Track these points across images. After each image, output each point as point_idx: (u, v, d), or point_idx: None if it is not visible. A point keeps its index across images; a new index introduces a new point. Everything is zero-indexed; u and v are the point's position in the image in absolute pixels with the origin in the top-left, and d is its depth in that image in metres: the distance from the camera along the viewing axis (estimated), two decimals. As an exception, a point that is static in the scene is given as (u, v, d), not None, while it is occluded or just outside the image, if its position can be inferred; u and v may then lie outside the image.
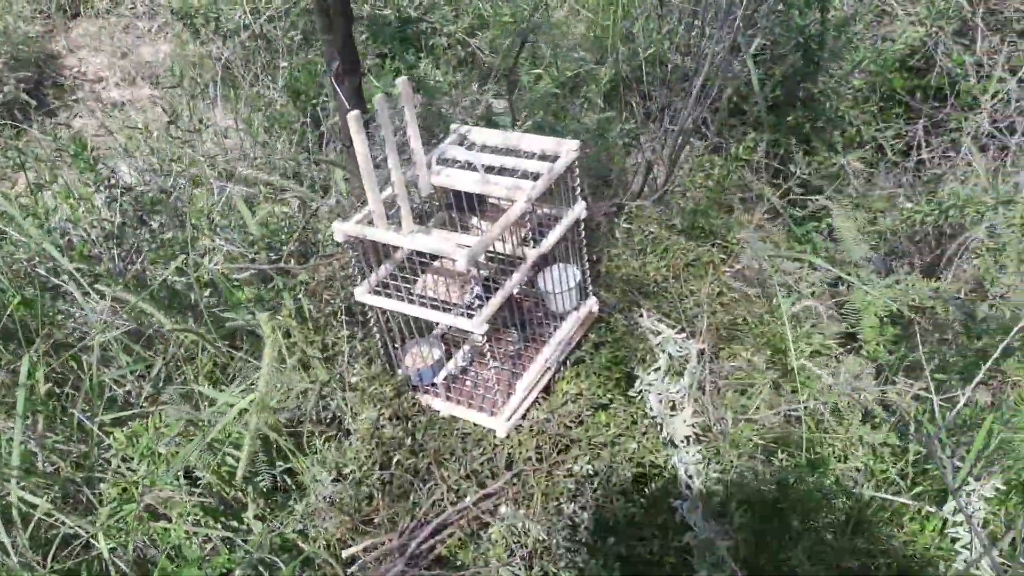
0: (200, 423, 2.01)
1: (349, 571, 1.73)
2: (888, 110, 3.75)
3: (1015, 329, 1.82)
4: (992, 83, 3.58)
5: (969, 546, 1.86)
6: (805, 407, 2.20)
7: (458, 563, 1.73)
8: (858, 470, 2.08)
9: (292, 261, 2.14)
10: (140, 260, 2.21)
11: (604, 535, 1.78)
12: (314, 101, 3.42)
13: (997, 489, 1.89)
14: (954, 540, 1.91)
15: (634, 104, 3.66)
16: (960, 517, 1.88)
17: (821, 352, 2.48)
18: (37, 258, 2.16)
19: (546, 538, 1.71)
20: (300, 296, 2.05)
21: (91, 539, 1.95)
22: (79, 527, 1.99)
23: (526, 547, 1.70)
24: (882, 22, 3.78)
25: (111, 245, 2.19)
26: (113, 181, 2.21)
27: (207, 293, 2.32)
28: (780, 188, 3.10)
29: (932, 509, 1.99)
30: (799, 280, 2.55)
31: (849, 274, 2.75)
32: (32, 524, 1.87)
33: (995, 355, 1.76)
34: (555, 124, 3.22)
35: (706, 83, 2.70)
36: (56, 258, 2.13)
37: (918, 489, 2.07)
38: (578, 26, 3.95)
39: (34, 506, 1.91)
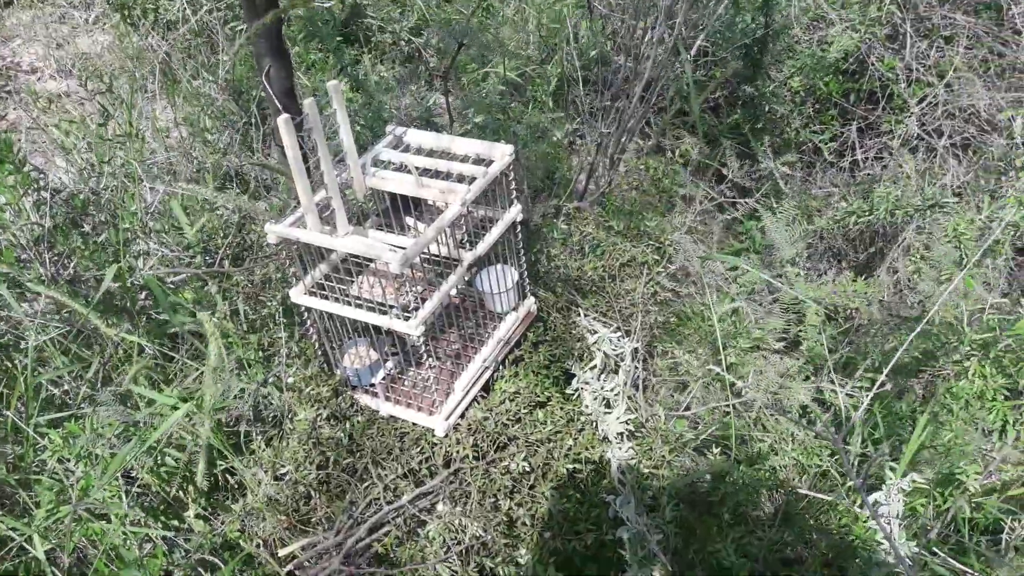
0: (137, 425, 2.00)
1: (287, 569, 1.75)
2: (824, 112, 3.87)
3: (918, 328, 1.91)
4: (921, 88, 3.72)
5: (888, 536, 1.94)
6: (738, 404, 2.27)
7: (396, 559, 1.76)
8: (783, 467, 2.15)
9: (228, 264, 2.14)
10: (72, 265, 2.18)
11: (540, 530, 1.82)
12: (258, 100, 3.39)
13: (916, 483, 1.97)
14: (872, 531, 1.99)
15: (579, 104, 3.71)
16: (881, 510, 1.96)
17: (759, 348, 2.56)
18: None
19: (483, 534, 1.75)
20: (236, 298, 2.05)
21: (25, 542, 1.93)
22: (14, 529, 1.97)
23: (463, 543, 1.74)
24: (818, 27, 3.89)
25: (42, 249, 2.15)
26: (42, 183, 2.17)
27: (143, 296, 2.30)
28: (716, 189, 3.18)
29: (853, 499, 2.07)
30: (731, 281, 2.63)
31: (780, 275, 2.84)
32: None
33: (899, 352, 1.84)
34: (500, 124, 3.25)
35: (649, 85, 2.76)
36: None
37: (847, 485, 2.16)
38: (525, 25, 3.98)
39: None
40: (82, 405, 2.20)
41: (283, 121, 1.53)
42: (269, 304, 2.08)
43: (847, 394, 2.33)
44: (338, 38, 3.74)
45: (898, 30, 3.79)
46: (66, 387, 2.25)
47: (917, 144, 3.69)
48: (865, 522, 2.05)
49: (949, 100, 3.67)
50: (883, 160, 3.74)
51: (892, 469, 2.03)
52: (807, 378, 2.44)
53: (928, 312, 2.51)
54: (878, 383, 1.68)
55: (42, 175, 2.21)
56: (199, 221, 2.18)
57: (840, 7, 3.77)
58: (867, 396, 1.95)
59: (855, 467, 1.96)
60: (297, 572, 1.73)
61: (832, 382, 2.37)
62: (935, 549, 1.92)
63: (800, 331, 2.64)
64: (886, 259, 3.33)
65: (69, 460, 2.06)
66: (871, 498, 2.01)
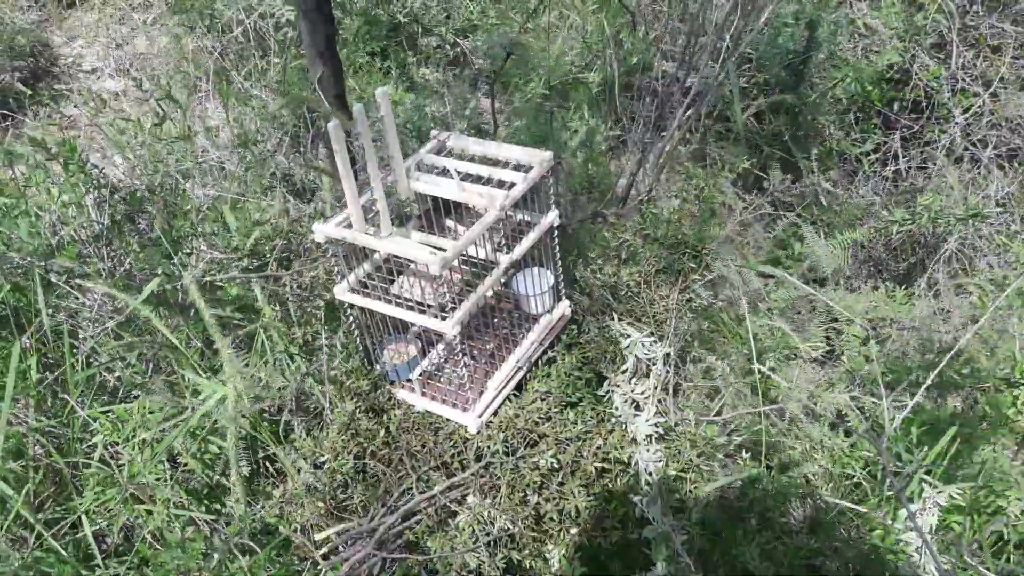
0: (185, 411, 2.09)
1: (321, 552, 1.82)
2: (867, 121, 3.85)
3: (957, 345, 1.91)
4: (966, 97, 3.69)
5: (920, 550, 1.95)
6: (770, 411, 2.29)
7: (426, 548, 1.82)
8: (813, 475, 2.17)
9: (276, 265, 2.22)
10: (128, 260, 2.29)
11: (567, 526, 1.87)
12: (303, 104, 3.49)
13: (953, 497, 1.97)
14: (903, 544, 2.00)
15: (620, 111, 3.75)
16: (914, 521, 1.97)
17: (793, 357, 2.58)
18: (29, 256, 2.23)
19: (511, 527, 1.80)
20: (284, 296, 2.13)
21: (75, 522, 2.03)
22: (64, 509, 2.08)
23: (491, 535, 1.80)
24: (864, 36, 3.88)
25: (100, 245, 2.26)
26: (103, 182, 2.28)
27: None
28: (756, 201, 3.19)
29: (883, 515, 2.07)
30: (770, 292, 2.65)
31: (821, 285, 2.85)
32: (16, 506, 1.95)
33: (940, 365, 1.85)
34: (542, 130, 3.30)
35: (692, 93, 2.79)
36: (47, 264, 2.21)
37: (879, 496, 2.16)
38: (567, 32, 4.02)
39: (20, 487, 1.99)
40: (132, 393, 2.31)
41: (333, 127, 1.60)
42: (314, 301, 2.16)
43: (878, 403, 2.33)
44: (384, 42, 3.83)
45: (944, 39, 3.77)
46: (118, 374, 2.35)
47: (962, 155, 3.67)
48: (896, 535, 2.06)
49: (995, 110, 3.63)
50: (926, 170, 3.71)
51: (928, 483, 2.03)
52: (847, 388, 2.45)
53: (968, 332, 2.51)
54: (917, 395, 1.69)
55: (103, 174, 2.31)
56: (253, 232, 2.27)
57: (886, 16, 3.76)
58: (905, 408, 1.95)
59: (892, 474, 1.96)
60: (332, 556, 1.80)
61: (871, 394, 2.38)
62: (969, 560, 1.92)
63: (842, 342, 2.64)
64: (927, 270, 3.32)
65: (118, 444, 2.16)
66: (911, 508, 2.01)
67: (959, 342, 2.11)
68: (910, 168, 3.76)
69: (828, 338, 2.70)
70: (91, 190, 2.27)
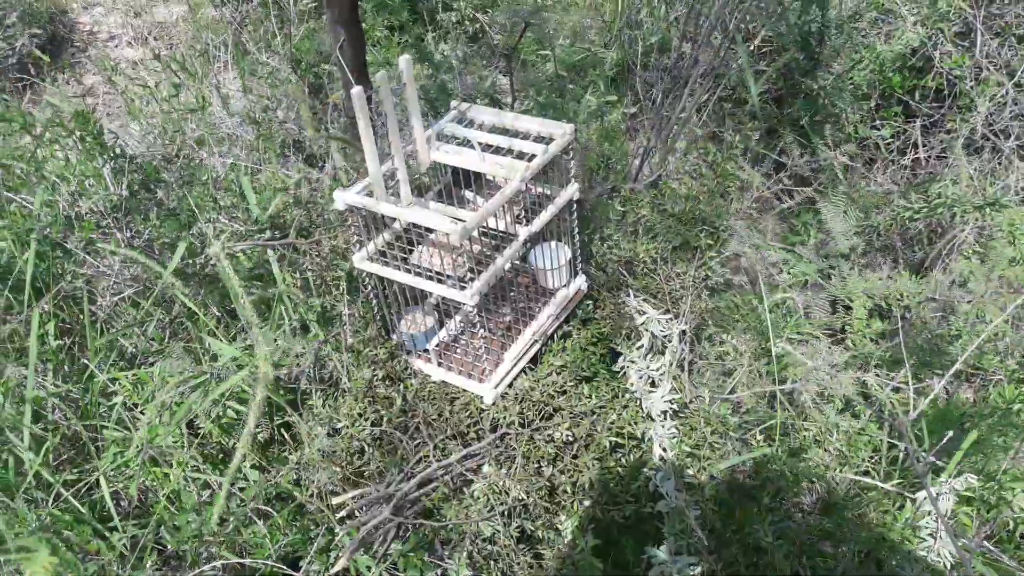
0: (203, 376, 2.11)
1: (338, 517, 1.84)
2: (887, 108, 3.82)
3: (987, 329, 1.91)
4: (989, 87, 3.65)
5: (935, 534, 1.95)
6: (784, 391, 2.30)
7: (441, 515, 1.84)
8: (826, 457, 2.17)
9: (296, 235, 2.23)
10: (147, 231, 2.30)
11: (580, 498, 1.88)
12: (315, 69, 3.48)
13: (970, 485, 1.97)
14: (916, 528, 2.00)
15: (638, 88, 3.74)
16: (929, 506, 1.97)
17: (807, 339, 2.57)
18: (48, 227, 2.24)
19: (525, 497, 1.81)
20: (305, 267, 2.14)
21: (95, 483, 2.05)
22: (82, 470, 2.10)
23: (506, 504, 1.81)
24: (886, 20, 3.84)
25: (120, 216, 2.27)
26: (119, 151, 2.28)
27: (212, 261, 2.41)
28: (773, 178, 3.18)
29: (911, 496, 2.08)
30: (784, 271, 2.64)
31: (833, 267, 2.84)
32: (34, 468, 1.97)
33: (968, 351, 1.85)
34: (558, 105, 3.29)
35: (706, 72, 2.78)
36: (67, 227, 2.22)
37: (894, 481, 2.17)
38: (585, 8, 4.00)
39: (39, 450, 2.01)
40: (151, 358, 2.32)
41: (356, 94, 1.60)
42: (333, 270, 2.16)
43: (894, 388, 2.33)
44: (404, 14, 3.81)
45: (969, 27, 3.73)
46: (135, 341, 2.37)
47: (983, 144, 3.64)
48: (906, 519, 2.07)
49: (1019, 100, 3.60)
50: (946, 159, 3.69)
51: (938, 470, 2.04)
52: (856, 370, 2.45)
53: (980, 312, 2.50)
54: (942, 382, 1.68)
55: (118, 144, 2.32)
56: (273, 201, 2.28)
57: (911, 1, 3.72)
58: (914, 393, 1.95)
59: (913, 457, 1.96)
60: (348, 521, 1.82)
61: (879, 376, 2.37)
62: (985, 544, 1.92)
63: (848, 324, 2.64)
64: (941, 257, 3.30)
65: (136, 407, 2.18)
66: (920, 495, 2.02)
67: (986, 330, 2.10)
68: (930, 157, 3.74)
69: (837, 322, 2.69)
70: (108, 160, 2.28)
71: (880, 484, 1.98)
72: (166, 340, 2.35)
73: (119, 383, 2.15)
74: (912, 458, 1.82)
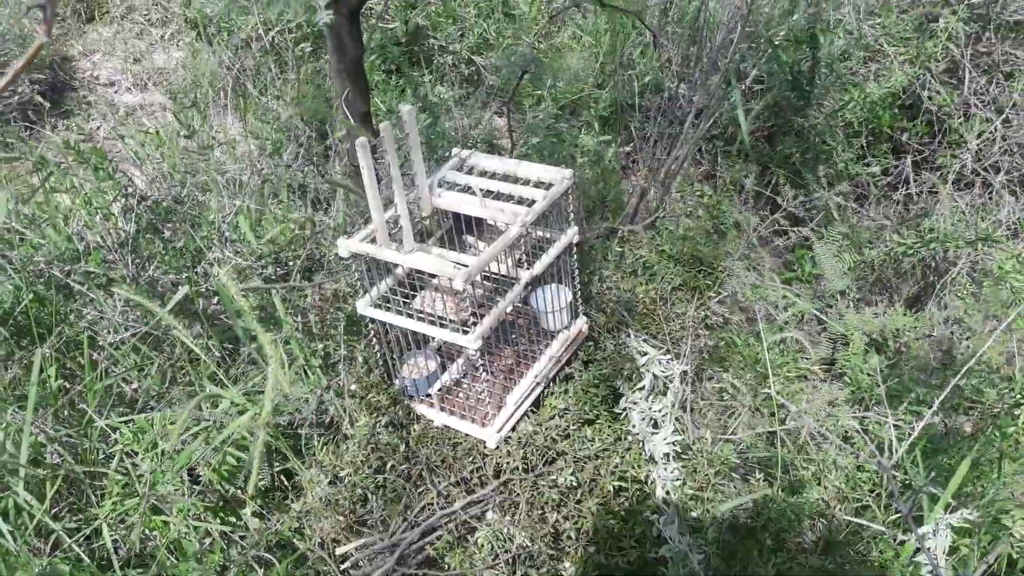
0: (204, 422, 2.11)
1: (342, 568, 1.83)
2: (877, 145, 3.87)
3: (971, 360, 1.93)
4: (978, 123, 3.71)
5: (933, 572, 1.95)
6: (784, 430, 2.30)
7: (445, 564, 1.83)
8: (825, 496, 2.17)
9: (299, 276, 2.25)
10: (152, 268, 2.31)
11: (585, 544, 1.87)
12: (320, 116, 3.52)
13: (967, 519, 1.97)
14: (916, 566, 2.00)
15: (632, 129, 3.79)
16: (928, 543, 1.97)
17: (805, 377, 2.59)
18: (55, 261, 2.26)
19: (529, 544, 1.80)
20: (306, 308, 2.15)
21: (93, 531, 2.04)
22: (81, 519, 2.09)
23: (510, 552, 1.80)
24: (874, 60, 3.91)
25: (126, 252, 2.29)
26: (130, 190, 2.31)
27: (215, 300, 2.42)
28: (768, 218, 3.21)
29: (904, 537, 2.08)
30: (781, 308, 2.66)
31: (831, 305, 2.86)
32: (37, 516, 1.96)
33: (950, 385, 1.86)
34: (554, 147, 3.33)
35: (701, 112, 2.82)
36: (75, 265, 2.23)
37: (892, 517, 2.17)
38: (580, 51, 4.07)
39: (41, 497, 2.00)
40: (150, 403, 2.32)
41: (361, 144, 1.63)
42: (335, 315, 2.17)
43: (893, 425, 2.34)
44: (401, 58, 3.87)
45: (957, 65, 3.79)
46: (135, 385, 2.37)
47: (973, 179, 3.68)
48: (908, 557, 2.06)
49: (1008, 136, 3.66)
50: (937, 195, 3.73)
51: (935, 501, 2.04)
52: (852, 407, 2.46)
53: (976, 350, 2.51)
54: (927, 417, 1.70)
55: (131, 183, 2.34)
56: (268, 233, 2.30)
57: (899, 42, 3.79)
58: (914, 428, 1.96)
59: (899, 496, 1.97)
60: (352, 571, 1.81)
61: (876, 413, 2.38)
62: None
63: (845, 360, 2.65)
64: (935, 294, 3.33)
65: (137, 454, 2.17)
66: (921, 530, 2.02)
67: (972, 359, 2.12)
68: (921, 192, 3.78)
69: (833, 360, 2.71)
70: (119, 198, 2.30)
71: (873, 525, 1.98)
72: (166, 384, 2.35)
73: (119, 432, 2.14)
74: (896, 498, 1.82)
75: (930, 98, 3.71)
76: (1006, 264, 2.30)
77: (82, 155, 2.18)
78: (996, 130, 3.65)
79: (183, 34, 4.58)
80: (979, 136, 3.68)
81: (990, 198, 3.64)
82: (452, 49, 4.15)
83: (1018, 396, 2.26)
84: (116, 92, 4.34)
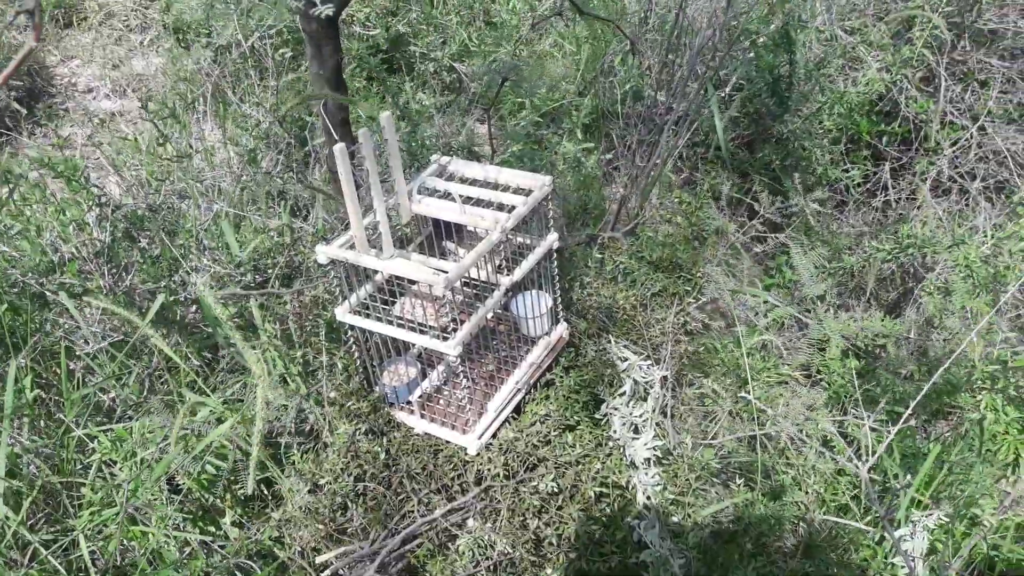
0: (183, 430, 2.09)
1: (322, 575, 1.82)
2: (856, 151, 3.91)
3: (946, 363, 1.95)
4: (954, 130, 3.75)
5: (910, 573, 1.96)
6: (765, 434, 2.31)
7: (426, 572, 1.82)
8: (805, 500, 2.19)
9: (278, 284, 2.23)
10: (129, 277, 2.29)
11: (566, 550, 1.87)
12: (300, 123, 3.51)
13: (942, 519, 1.99)
14: (894, 564, 2.02)
15: (613, 136, 3.80)
16: (904, 544, 1.98)
17: (785, 383, 2.60)
18: (29, 273, 2.23)
19: (511, 551, 1.80)
20: (285, 316, 2.14)
21: (71, 543, 2.02)
22: (58, 530, 2.06)
23: (491, 559, 1.80)
24: (853, 67, 3.95)
25: (102, 262, 2.27)
26: (104, 200, 2.29)
27: (193, 309, 2.40)
28: (747, 224, 3.23)
29: (884, 534, 2.09)
30: (760, 314, 2.67)
31: (808, 310, 2.88)
32: (12, 528, 1.93)
33: (925, 388, 1.88)
34: (536, 154, 3.34)
35: (679, 119, 2.84)
36: (49, 277, 2.21)
37: (869, 517, 2.18)
38: (561, 59, 4.08)
39: (17, 508, 1.98)
40: (128, 412, 2.30)
41: (339, 150, 1.62)
42: (314, 322, 2.16)
43: (870, 428, 2.36)
44: (383, 66, 3.86)
45: (933, 73, 3.84)
46: (113, 394, 2.35)
47: (950, 186, 3.73)
48: (885, 558, 2.08)
49: (983, 143, 3.70)
50: (915, 201, 3.77)
51: (918, 504, 2.06)
52: (831, 411, 2.48)
53: (953, 348, 2.53)
54: (903, 418, 1.71)
55: (104, 193, 2.32)
56: (250, 243, 2.28)
57: (875, 48, 3.83)
58: (890, 431, 1.98)
59: (877, 499, 1.98)
60: (331, 579, 1.80)
61: (854, 416, 2.40)
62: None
63: (822, 364, 2.67)
64: (913, 299, 3.36)
65: (115, 464, 2.15)
66: (897, 533, 2.03)
67: (950, 359, 2.14)
68: (899, 199, 3.82)
69: (811, 364, 2.73)
70: (93, 207, 2.28)
71: (853, 523, 1.99)
72: (144, 392, 2.33)
73: (97, 441, 2.12)
74: (873, 500, 1.84)
75: (907, 105, 3.75)
76: (971, 253, 2.33)
77: (54, 167, 2.16)
78: (972, 137, 3.70)
79: (162, 40, 4.56)
80: (954, 144, 3.73)
81: (967, 205, 3.69)
82: (434, 56, 4.16)
83: (978, 382, 2.29)
84: (94, 98, 4.31)
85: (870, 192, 3.86)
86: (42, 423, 2.24)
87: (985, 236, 2.90)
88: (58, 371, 2.32)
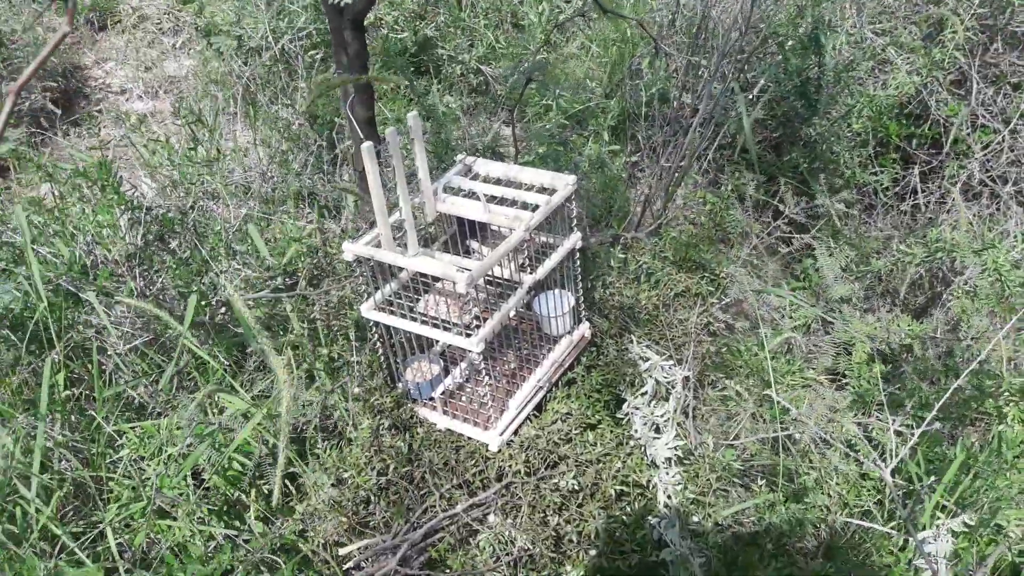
0: (210, 426, 2.12)
1: (344, 568, 1.84)
2: (884, 155, 3.88)
3: (967, 369, 1.93)
4: (986, 133, 3.71)
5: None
6: (787, 436, 2.30)
7: (447, 566, 1.84)
8: (827, 502, 2.17)
9: (306, 285, 2.27)
10: (161, 280, 2.34)
11: (586, 548, 1.88)
12: (330, 124, 3.56)
13: (967, 524, 1.97)
14: (917, 570, 2.00)
15: (639, 138, 3.80)
16: (928, 547, 1.96)
17: (810, 386, 2.59)
18: (64, 275, 2.29)
19: (531, 547, 1.81)
20: (313, 316, 2.17)
21: (99, 535, 2.06)
22: (88, 522, 2.10)
23: (512, 555, 1.81)
24: (883, 69, 3.91)
25: (134, 264, 2.31)
26: (136, 203, 2.34)
27: (223, 311, 2.45)
28: (772, 225, 3.22)
29: (908, 537, 2.07)
30: (785, 315, 2.66)
31: (833, 311, 2.86)
32: (42, 521, 1.98)
33: (950, 390, 1.86)
34: (561, 155, 3.35)
35: (705, 121, 2.84)
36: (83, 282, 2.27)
37: (894, 522, 2.17)
38: (587, 62, 4.09)
39: (46, 500, 2.02)
40: (158, 410, 2.34)
41: (366, 149, 1.65)
42: (342, 320, 2.19)
43: (895, 431, 2.34)
44: (410, 69, 3.90)
45: (964, 75, 3.79)
46: (142, 391, 2.39)
47: (981, 190, 3.68)
48: (909, 563, 2.06)
49: (1015, 147, 3.65)
50: (945, 204, 3.72)
51: (942, 509, 2.04)
52: (855, 414, 2.46)
53: (977, 353, 2.50)
54: (927, 421, 1.70)
55: (138, 195, 2.37)
56: (288, 252, 2.32)
57: (906, 50, 3.79)
58: (914, 434, 1.97)
59: (900, 503, 1.97)
60: (354, 572, 1.82)
61: (879, 419, 2.38)
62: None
63: (848, 367, 2.65)
64: (941, 303, 3.32)
65: (144, 459, 2.19)
66: (920, 535, 2.01)
67: (972, 363, 2.12)
68: (929, 203, 3.78)
69: (836, 366, 2.71)
70: (126, 211, 2.33)
71: (874, 526, 1.98)
72: (173, 391, 2.37)
73: (125, 436, 2.16)
74: (896, 503, 1.82)
75: (937, 108, 3.71)
76: (1001, 258, 2.30)
77: (88, 176, 2.21)
78: (1003, 140, 3.65)
79: (194, 43, 4.63)
80: (986, 147, 3.68)
81: (997, 209, 3.64)
82: (461, 59, 4.18)
83: (1006, 394, 2.26)
84: (127, 100, 4.39)
85: (899, 196, 3.83)
86: (73, 419, 2.29)
87: (1016, 240, 2.87)
88: (90, 368, 2.37)
